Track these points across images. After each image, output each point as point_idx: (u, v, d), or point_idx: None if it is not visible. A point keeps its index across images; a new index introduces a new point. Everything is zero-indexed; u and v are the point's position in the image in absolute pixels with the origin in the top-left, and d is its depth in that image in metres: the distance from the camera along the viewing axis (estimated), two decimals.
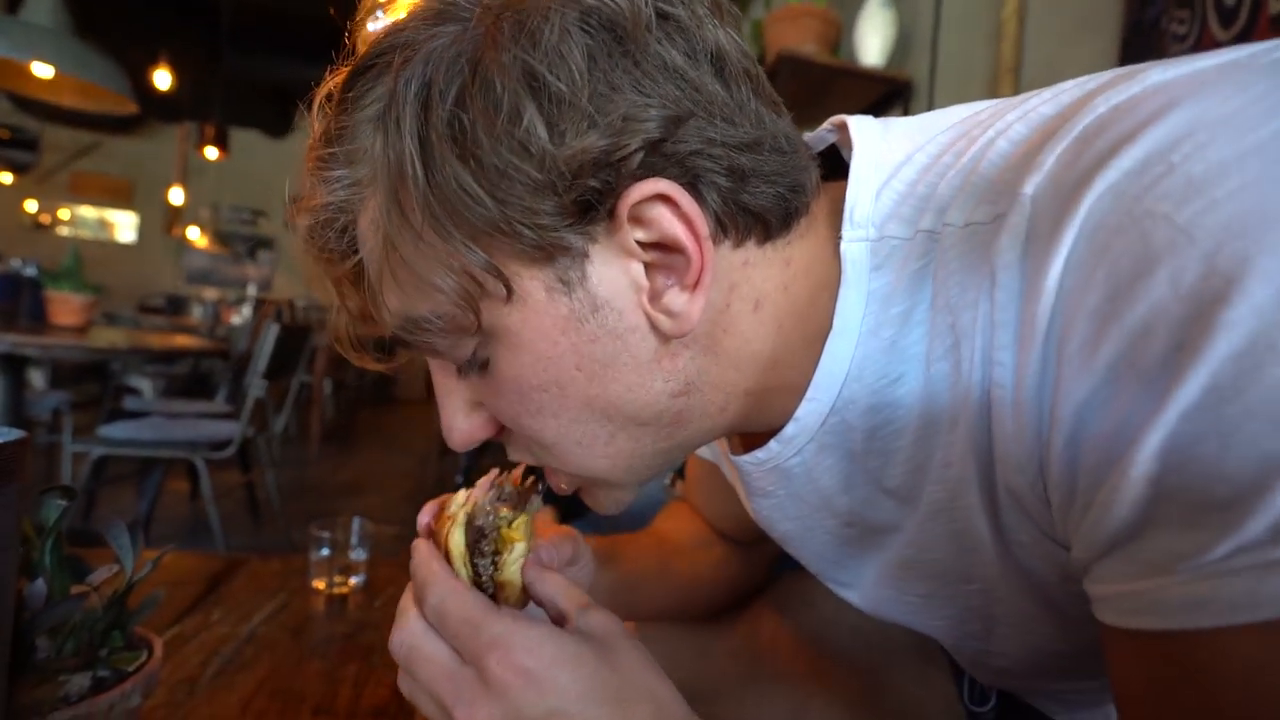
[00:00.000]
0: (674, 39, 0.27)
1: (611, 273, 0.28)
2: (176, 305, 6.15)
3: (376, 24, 0.31)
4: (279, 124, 6.80)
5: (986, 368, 0.25)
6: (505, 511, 0.37)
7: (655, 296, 0.29)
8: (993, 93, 1.33)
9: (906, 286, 0.28)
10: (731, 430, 0.36)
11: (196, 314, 5.76)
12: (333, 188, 0.29)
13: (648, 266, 0.29)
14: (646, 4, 0.26)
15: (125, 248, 6.64)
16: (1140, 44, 0.98)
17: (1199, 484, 0.19)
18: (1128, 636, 0.22)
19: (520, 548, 0.35)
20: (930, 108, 1.59)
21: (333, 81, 0.31)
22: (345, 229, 0.31)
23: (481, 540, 0.36)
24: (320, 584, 0.78)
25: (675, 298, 0.29)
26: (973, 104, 0.31)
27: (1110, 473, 0.21)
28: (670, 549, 0.57)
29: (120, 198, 6.58)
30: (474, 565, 0.36)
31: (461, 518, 0.36)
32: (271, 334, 2.12)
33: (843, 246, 0.30)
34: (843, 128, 0.33)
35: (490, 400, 0.33)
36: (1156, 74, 0.23)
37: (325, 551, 0.78)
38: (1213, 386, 0.19)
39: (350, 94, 0.29)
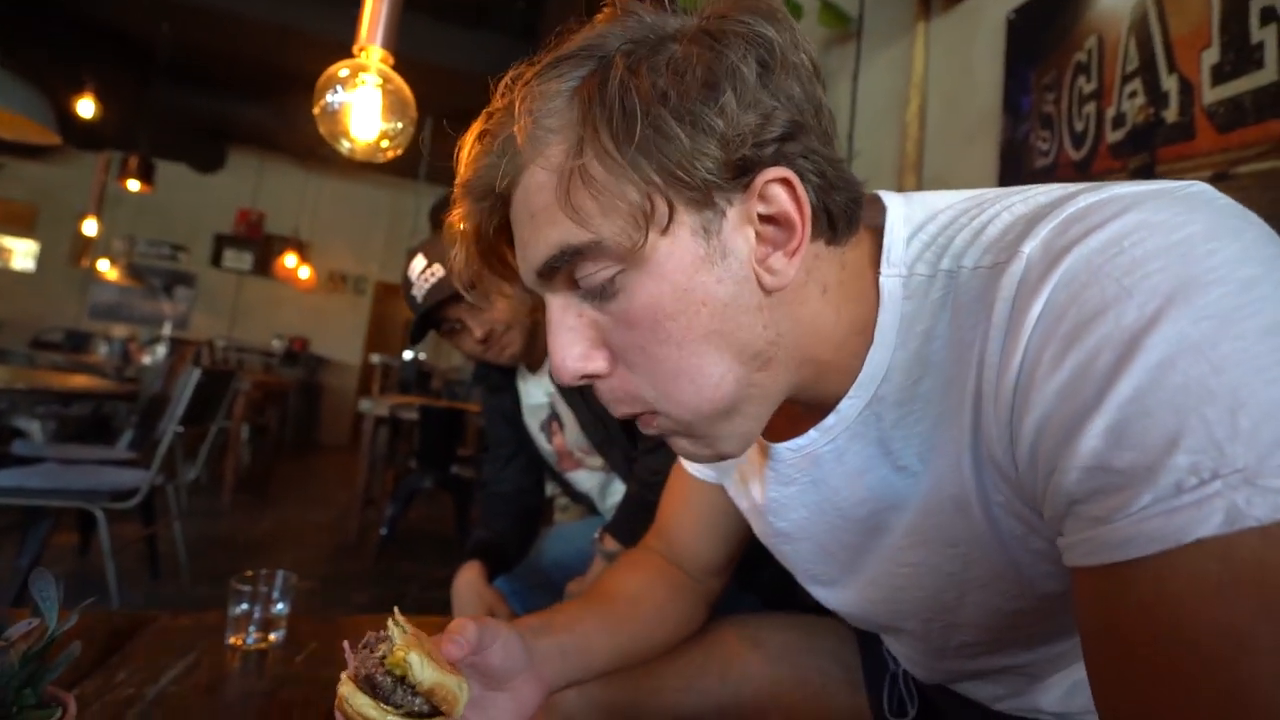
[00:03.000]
0: (793, 78, 0.37)
1: (737, 232, 0.37)
2: (77, 341, 5.70)
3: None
4: (208, 159, 6.58)
5: (980, 369, 0.34)
6: (381, 649, 0.39)
7: (762, 258, 0.38)
8: (899, 182, 1.49)
9: (930, 311, 0.38)
10: (791, 393, 0.43)
11: (101, 352, 5.33)
12: (534, 131, 0.37)
13: (758, 235, 0.38)
14: (781, 53, 0.37)
15: (20, 276, 6.17)
16: (1014, 154, 1.14)
17: (1129, 455, 0.27)
18: (1086, 573, 0.30)
19: (414, 655, 0.38)
20: None
21: (525, 68, 0.39)
22: (510, 178, 0.38)
23: (378, 684, 0.38)
24: (237, 640, 0.76)
25: (777, 260, 0.38)
26: (983, 189, 0.41)
27: (1067, 447, 0.30)
28: (608, 602, 0.61)
29: (20, 224, 6.14)
30: (394, 705, 0.38)
31: (350, 688, 0.38)
32: (193, 378, 2.03)
33: (881, 279, 0.40)
34: (873, 200, 0.43)
35: (618, 333, 0.39)
36: (1118, 189, 0.33)
37: (244, 606, 0.76)
38: (1137, 386, 0.27)
39: (555, 70, 0.38)
